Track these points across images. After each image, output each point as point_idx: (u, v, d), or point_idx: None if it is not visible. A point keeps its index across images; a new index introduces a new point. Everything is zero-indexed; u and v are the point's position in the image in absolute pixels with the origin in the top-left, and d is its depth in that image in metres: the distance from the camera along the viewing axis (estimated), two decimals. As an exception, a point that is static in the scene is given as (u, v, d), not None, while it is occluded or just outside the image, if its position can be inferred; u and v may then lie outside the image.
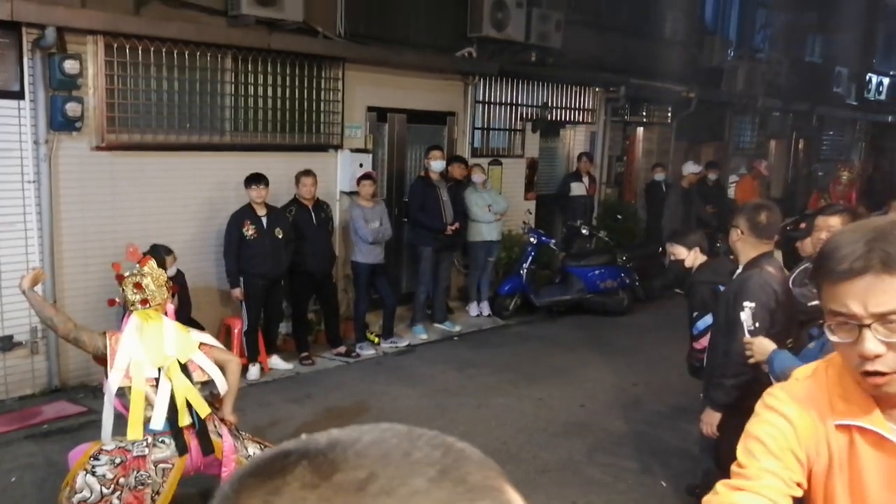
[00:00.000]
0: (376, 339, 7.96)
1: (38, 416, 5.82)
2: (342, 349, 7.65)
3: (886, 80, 18.42)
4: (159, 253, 6.31)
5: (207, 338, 4.01)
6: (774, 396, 1.55)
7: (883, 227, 1.32)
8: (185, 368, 3.78)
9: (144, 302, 3.84)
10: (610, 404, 6.54)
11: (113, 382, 3.71)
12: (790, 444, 1.48)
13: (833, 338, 1.38)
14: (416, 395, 6.66)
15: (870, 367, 1.33)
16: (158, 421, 3.69)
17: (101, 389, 6.42)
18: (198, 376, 3.81)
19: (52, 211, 6.13)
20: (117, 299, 4.11)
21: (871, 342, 1.31)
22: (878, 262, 1.29)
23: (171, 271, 6.30)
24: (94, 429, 5.66)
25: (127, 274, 3.89)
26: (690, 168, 11.51)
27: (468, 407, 6.35)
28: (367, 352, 7.76)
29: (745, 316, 3.63)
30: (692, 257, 4.72)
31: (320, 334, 7.86)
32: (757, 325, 3.60)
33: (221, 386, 3.88)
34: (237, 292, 6.90)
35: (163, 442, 3.71)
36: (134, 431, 3.67)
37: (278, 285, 7.20)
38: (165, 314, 3.91)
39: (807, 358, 3.18)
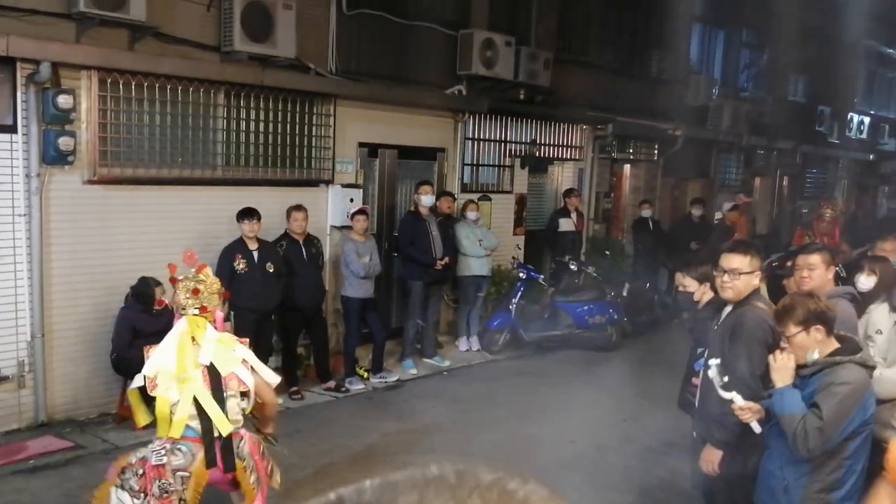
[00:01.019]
0: (366, 374, 7.94)
1: (25, 451, 5.73)
2: (331, 384, 7.62)
3: (867, 119, 18.77)
4: (149, 286, 6.31)
5: (250, 356, 3.96)
6: None
7: None
8: (217, 381, 3.75)
9: (203, 309, 3.85)
10: (600, 440, 6.52)
11: (136, 381, 3.87)
12: None
13: None
14: (406, 430, 6.63)
15: None
16: (178, 428, 3.68)
17: (87, 423, 6.38)
18: (234, 387, 3.79)
19: (42, 244, 6.12)
20: (167, 301, 4.12)
21: None
22: None
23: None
24: (81, 465, 5.61)
25: (181, 277, 3.89)
26: (728, 206, 11.63)
27: (458, 443, 6.32)
28: (356, 387, 7.72)
29: (713, 373, 3.62)
30: (702, 291, 4.66)
31: (310, 369, 7.83)
32: (726, 379, 3.60)
33: (250, 384, 3.86)
34: (227, 327, 6.87)
35: (179, 450, 3.66)
36: (164, 429, 3.70)
37: (269, 320, 7.19)
38: (214, 322, 3.91)
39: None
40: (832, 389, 3.19)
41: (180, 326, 3.83)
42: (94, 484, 3.86)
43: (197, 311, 3.86)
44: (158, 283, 6.23)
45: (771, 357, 3.41)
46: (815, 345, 3.29)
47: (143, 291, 6.30)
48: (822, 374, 3.26)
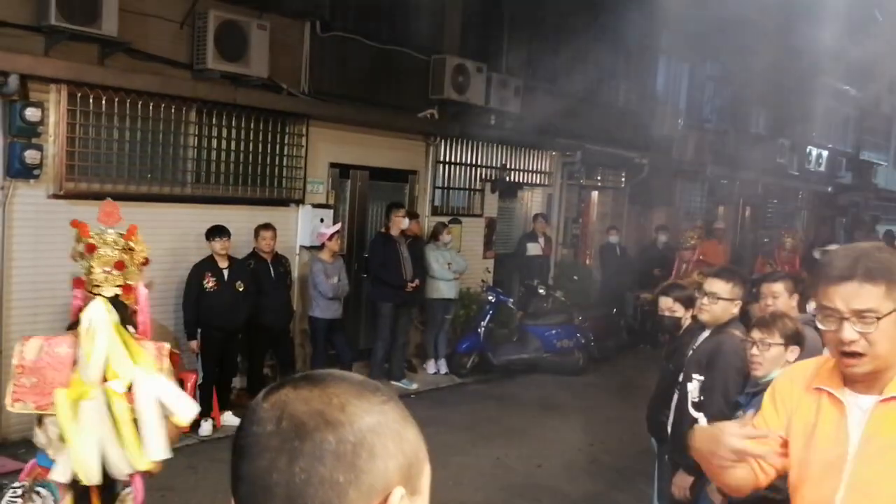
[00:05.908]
0: (332, 396, 7.85)
1: (-23, 472, 5.56)
2: (297, 406, 7.52)
3: (825, 153, 19.27)
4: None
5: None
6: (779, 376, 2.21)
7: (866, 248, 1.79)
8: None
9: (127, 289, 2.97)
10: (567, 464, 6.53)
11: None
12: (774, 403, 2.02)
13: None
14: (372, 453, 6.56)
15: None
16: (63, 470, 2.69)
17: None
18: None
19: (2, 259, 5.99)
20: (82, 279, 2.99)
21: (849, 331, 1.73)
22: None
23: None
24: (36, 486, 5.45)
25: (99, 241, 2.98)
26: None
27: (426, 466, 6.27)
28: (322, 409, 7.63)
29: (693, 387, 3.62)
30: (688, 316, 4.67)
31: (275, 390, 7.72)
32: (702, 398, 3.62)
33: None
34: (193, 344, 6.78)
35: (37, 492, 2.75)
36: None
37: (235, 339, 7.09)
38: (137, 301, 3.02)
39: None
40: None
41: (96, 312, 2.81)
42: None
43: (118, 291, 2.92)
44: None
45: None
46: (783, 364, 3.25)
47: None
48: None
